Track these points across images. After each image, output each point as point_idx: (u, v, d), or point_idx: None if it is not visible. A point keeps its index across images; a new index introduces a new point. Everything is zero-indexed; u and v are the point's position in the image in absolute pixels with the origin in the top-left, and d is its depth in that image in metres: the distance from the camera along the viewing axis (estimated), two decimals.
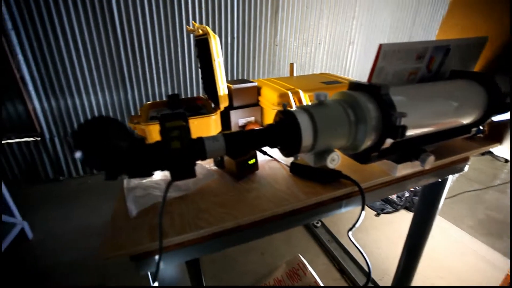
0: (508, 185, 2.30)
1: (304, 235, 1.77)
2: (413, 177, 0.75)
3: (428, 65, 0.72)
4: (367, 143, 0.57)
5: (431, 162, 0.64)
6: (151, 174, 0.45)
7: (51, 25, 1.93)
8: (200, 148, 0.46)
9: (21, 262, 1.56)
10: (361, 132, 0.54)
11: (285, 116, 0.52)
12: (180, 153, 0.42)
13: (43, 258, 1.59)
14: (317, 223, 1.78)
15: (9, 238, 1.53)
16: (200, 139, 0.47)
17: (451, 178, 0.94)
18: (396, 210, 1.92)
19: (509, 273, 1.12)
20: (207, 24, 2.34)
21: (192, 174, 0.45)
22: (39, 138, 2.22)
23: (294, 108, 0.58)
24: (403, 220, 1.88)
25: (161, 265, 0.50)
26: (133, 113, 2.43)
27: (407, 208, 1.93)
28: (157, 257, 0.52)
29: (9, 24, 1.83)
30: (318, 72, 3.03)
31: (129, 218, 0.55)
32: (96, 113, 2.32)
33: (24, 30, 1.89)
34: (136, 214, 0.55)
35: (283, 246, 1.68)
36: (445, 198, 0.98)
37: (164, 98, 2.48)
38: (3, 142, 2.12)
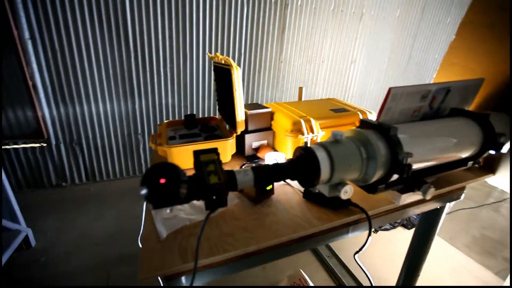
0: (502, 203, 2.38)
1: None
2: (415, 205, 0.82)
3: (430, 103, 0.80)
4: (376, 177, 0.63)
5: (431, 193, 0.70)
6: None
7: (67, 36, 2.00)
8: (232, 180, 0.52)
9: (25, 270, 1.57)
10: (371, 168, 0.61)
11: (305, 152, 0.58)
12: (218, 188, 0.47)
13: (48, 267, 1.60)
14: None
15: (13, 246, 1.54)
16: (232, 173, 0.52)
17: (448, 205, 1.00)
18: (394, 227, 1.98)
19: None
20: (217, 40, 2.43)
21: (225, 204, 0.50)
22: (45, 144, 2.26)
23: (306, 136, 0.63)
24: (400, 237, 1.94)
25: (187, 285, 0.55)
26: (139, 123, 2.49)
27: (404, 226, 1.99)
28: (183, 278, 0.57)
29: (26, 34, 1.89)
30: (321, 89, 3.13)
31: (159, 239, 0.60)
32: (103, 121, 2.37)
33: (41, 39, 1.95)
34: (166, 236, 0.60)
35: (284, 260, 1.71)
36: None
37: (169, 108, 2.55)
38: (9, 147, 2.15)
